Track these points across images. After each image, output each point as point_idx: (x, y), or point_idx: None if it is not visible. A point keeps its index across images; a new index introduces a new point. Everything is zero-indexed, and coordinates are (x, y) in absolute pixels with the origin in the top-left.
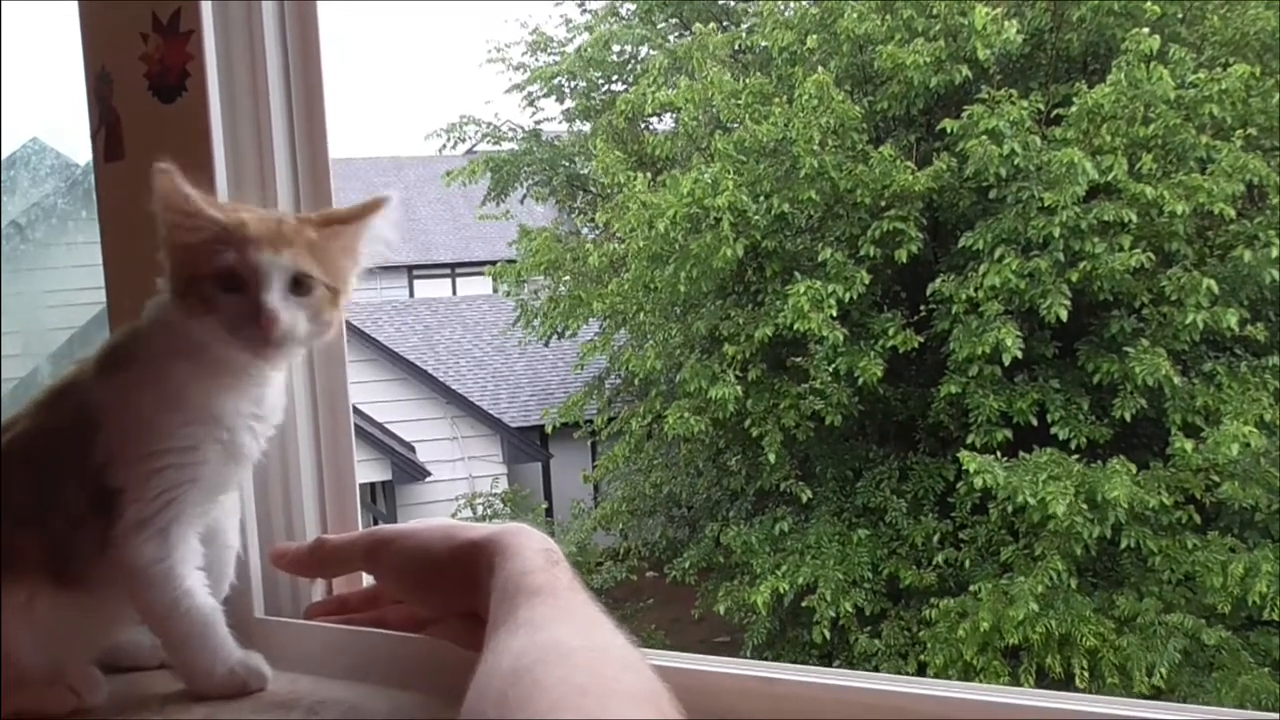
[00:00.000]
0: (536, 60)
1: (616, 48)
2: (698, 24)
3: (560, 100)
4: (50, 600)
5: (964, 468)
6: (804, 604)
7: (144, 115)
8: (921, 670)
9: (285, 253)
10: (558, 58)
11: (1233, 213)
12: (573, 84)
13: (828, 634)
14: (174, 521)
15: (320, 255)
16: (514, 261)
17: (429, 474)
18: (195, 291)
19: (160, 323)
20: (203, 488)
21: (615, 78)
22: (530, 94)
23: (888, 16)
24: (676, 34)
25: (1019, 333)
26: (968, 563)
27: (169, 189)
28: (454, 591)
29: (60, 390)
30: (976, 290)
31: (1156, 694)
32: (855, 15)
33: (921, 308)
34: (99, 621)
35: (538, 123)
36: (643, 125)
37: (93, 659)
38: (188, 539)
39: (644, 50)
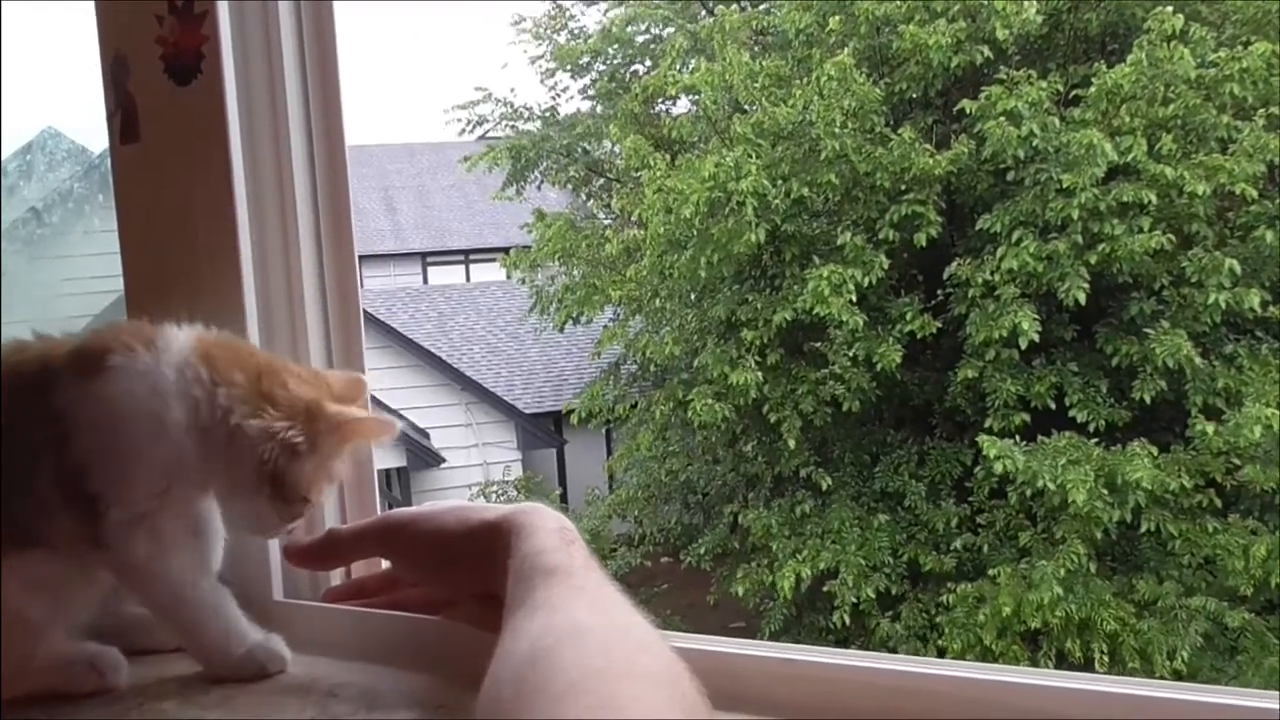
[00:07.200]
0: (553, 41)
1: (641, 26)
2: (720, 6)
3: (577, 78)
4: (27, 556)
5: (983, 452)
6: (824, 589)
7: (160, 98)
8: (939, 655)
9: None
10: (573, 36)
11: (1254, 193)
12: (594, 63)
13: (848, 619)
14: (163, 516)
15: None
16: (528, 248)
17: (444, 460)
18: (300, 501)
19: (155, 390)
20: (186, 481)
21: (637, 60)
22: (550, 69)
23: None
24: (699, 15)
25: (1036, 316)
26: (985, 547)
27: (375, 432)
28: (470, 573)
29: (25, 372)
30: (994, 274)
31: (1178, 678)
32: None
33: (938, 291)
34: (84, 573)
35: (555, 99)
36: (656, 109)
37: (92, 608)
38: (178, 529)
39: (667, 31)
